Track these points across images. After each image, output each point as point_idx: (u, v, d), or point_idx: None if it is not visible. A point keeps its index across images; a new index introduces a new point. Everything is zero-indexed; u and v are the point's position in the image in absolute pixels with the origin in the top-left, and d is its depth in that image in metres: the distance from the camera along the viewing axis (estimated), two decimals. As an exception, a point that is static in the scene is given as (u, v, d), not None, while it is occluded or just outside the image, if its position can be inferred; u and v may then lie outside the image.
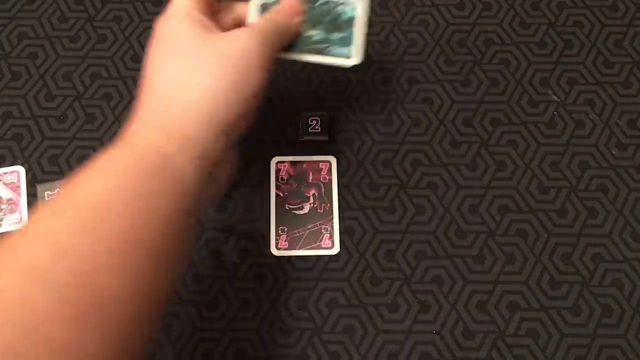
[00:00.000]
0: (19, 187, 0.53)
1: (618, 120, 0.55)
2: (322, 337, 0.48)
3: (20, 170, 0.54)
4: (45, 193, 0.52)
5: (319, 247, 0.51)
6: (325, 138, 0.54)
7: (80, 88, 0.56)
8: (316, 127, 0.54)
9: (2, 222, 0.52)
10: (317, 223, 0.51)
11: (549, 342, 0.48)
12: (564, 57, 0.57)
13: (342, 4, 0.45)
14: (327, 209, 0.52)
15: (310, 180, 0.52)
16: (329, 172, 0.53)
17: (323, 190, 0.52)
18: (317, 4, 0.45)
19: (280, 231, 0.51)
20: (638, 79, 0.56)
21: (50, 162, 0.54)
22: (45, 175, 0.53)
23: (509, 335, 0.48)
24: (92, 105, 0.56)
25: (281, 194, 0.52)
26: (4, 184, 0.53)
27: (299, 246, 0.51)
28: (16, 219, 0.52)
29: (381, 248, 0.51)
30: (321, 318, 0.49)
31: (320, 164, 0.53)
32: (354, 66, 0.45)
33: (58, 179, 0.53)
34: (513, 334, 0.48)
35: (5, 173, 0.53)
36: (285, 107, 0.55)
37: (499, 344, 0.48)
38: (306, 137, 0.54)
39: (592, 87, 0.56)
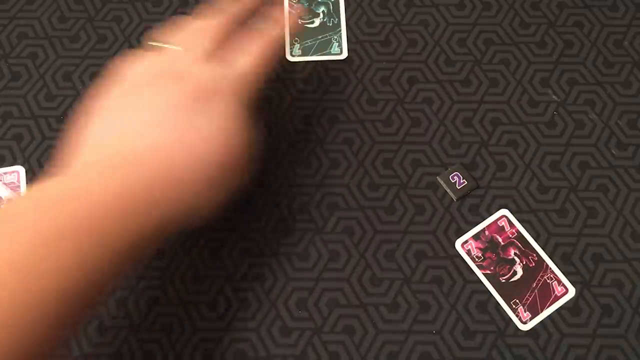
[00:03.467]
0: (19, 187, 0.53)
1: (618, 120, 0.55)
2: (322, 337, 0.48)
3: (20, 170, 0.54)
4: (45, 193, 0.52)
5: (557, 299, 0.49)
6: (476, 185, 0.52)
7: (80, 88, 0.56)
8: (462, 181, 0.52)
9: (2, 222, 0.52)
10: (538, 277, 0.49)
11: (548, 342, 0.48)
12: (564, 57, 0.57)
13: None
14: (537, 258, 0.50)
15: (503, 243, 0.50)
16: (511, 223, 0.51)
17: (520, 244, 0.50)
18: None
19: (513, 305, 0.48)
20: (638, 79, 0.56)
21: (50, 162, 0.54)
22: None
23: (509, 335, 0.48)
24: (92, 105, 0.56)
25: (489, 271, 0.50)
26: (4, 184, 0.53)
27: (541, 308, 0.48)
28: (16, 219, 0.52)
29: (381, 248, 0.51)
30: (321, 318, 0.49)
31: (498, 221, 0.51)
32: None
33: (58, 179, 0.53)
34: (513, 334, 0.48)
35: (5, 173, 0.53)
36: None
37: (499, 344, 0.48)
38: (462, 197, 0.52)
39: (592, 87, 0.56)
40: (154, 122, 0.42)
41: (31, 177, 0.53)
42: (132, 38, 0.58)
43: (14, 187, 0.53)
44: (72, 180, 0.40)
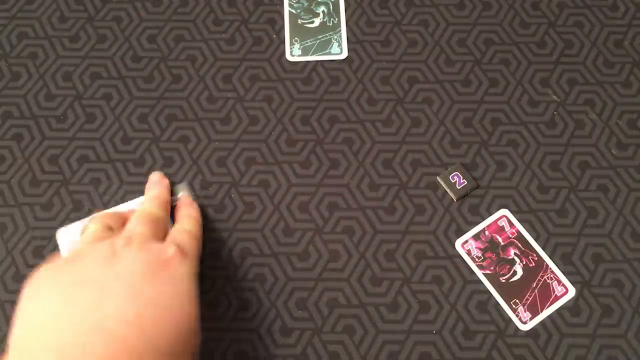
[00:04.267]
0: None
1: (618, 120, 0.55)
2: (322, 337, 0.48)
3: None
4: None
5: (557, 299, 0.49)
6: (477, 185, 0.52)
7: (80, 88, 0.56)
8: (462, 181, 0.52)
9: (2, 222, 0.52)
10: (539, 277, 0.49)
11: (549, 342, 0.48)
12: (564, 57, 0.57)
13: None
14: (537, 258, 0.50)
15: (503, 243, 0.50)
16: (511, 223, 0.51)
17: (520, 244, 0.50)
18: None
19: (513, 305, 0.49)
20: (638, 79, 0.56)
21: (50, 162, 0.54)
22: (45, 176, 0.53)
23: (509, 335, 0.48)
24: (92, 105, 0.56)
25: (489, 272, 0.50)
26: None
27: (541, 309, 0.49)
28: (16, 219, 0.52)
29: (381, 248, 0.51)
30: (321, 318, 0.49)
31: (498, 221, 0.51)
32: None
33: (58, 179, 0.53)
34: (513, 334, 0.48)
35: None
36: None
37: (499, 344, 0.48)
38: (462, 196, 0.52)
39: (592, 87, 0.56)
40: (130, 296, 0.40)
41: (32, 177, 0.53)
42: (132, 38, 0.58)
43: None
44: None
